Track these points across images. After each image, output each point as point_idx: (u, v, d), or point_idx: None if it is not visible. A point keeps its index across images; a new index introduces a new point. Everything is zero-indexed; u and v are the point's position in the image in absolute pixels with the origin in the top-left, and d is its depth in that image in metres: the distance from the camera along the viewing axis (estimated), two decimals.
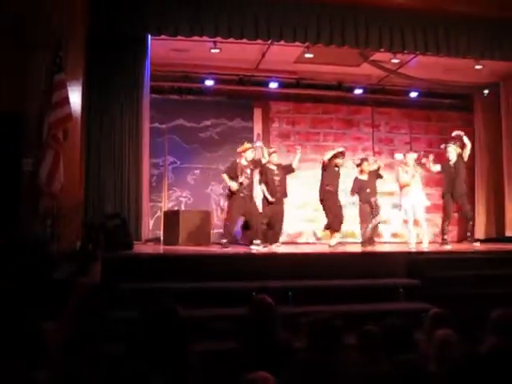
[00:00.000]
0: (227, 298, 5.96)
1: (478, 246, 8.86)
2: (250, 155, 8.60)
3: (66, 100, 6.39)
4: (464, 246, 9.01)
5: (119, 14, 7.52)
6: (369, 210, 8.86)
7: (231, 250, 8.27)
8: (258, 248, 8.19)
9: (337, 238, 8.79)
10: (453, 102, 12.23)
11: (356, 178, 9.03)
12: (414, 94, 11.81)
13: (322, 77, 11.08)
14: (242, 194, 8.41)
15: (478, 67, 9.63)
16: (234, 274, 6.54)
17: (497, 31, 8.50)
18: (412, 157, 9.11)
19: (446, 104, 12.24)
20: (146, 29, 7.88)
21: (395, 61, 9.65)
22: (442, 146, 9.32)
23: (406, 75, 10.65)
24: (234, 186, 8.37)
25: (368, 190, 8.88)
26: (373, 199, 8.89)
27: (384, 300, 6.53)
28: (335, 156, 8.82)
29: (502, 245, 9.67)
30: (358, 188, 8.91)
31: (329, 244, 8.78)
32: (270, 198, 8.74)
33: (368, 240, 8.81)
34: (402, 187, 9.06)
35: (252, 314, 3.81)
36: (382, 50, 8.63)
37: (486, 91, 11.69)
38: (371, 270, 7.07)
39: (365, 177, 8.98)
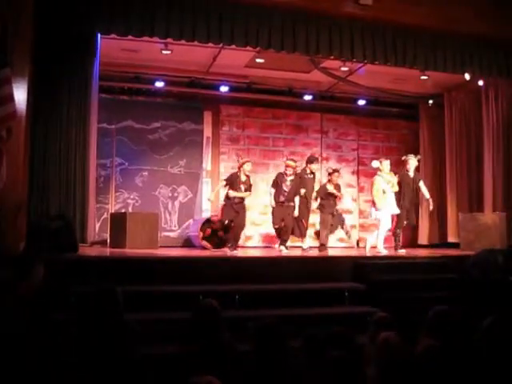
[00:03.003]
0: (174, 302, 5.92)
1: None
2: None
3: (11, 97, 6.15)
4: (408, 252, 9.23)
5: (68, 11, 7.34)
6: (330, 219, 9.38)
7: (179, 253, 8.21)
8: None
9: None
10: (399, 110, 12.56)
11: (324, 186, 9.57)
12: (362, 102, 12.07)
13: (273, 82, 11.17)
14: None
15: (423, 78, 9.94)
16: (182, 277, 6.50)
17: (441, 44, 8.74)
18: (387, 163, 9.16)
19: (392, 112, 12.56)
20: (95, 27, 7.71)
21: (344, 68, 9.84)
22: (403, 158, 9.57)
23: (354, 83, 10.86)
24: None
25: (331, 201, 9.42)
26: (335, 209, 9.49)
27: (330, 304, 6.60)
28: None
29: (444, 250, 9.98)
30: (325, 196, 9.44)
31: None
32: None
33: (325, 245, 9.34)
34: (375, 195, 9.01)
35: (197, 317, 3.81)
36: (332, 57, 8.76)
37: (431, 101, 12.07)
38: (318, 274, 7.15)
39: (331, 187, 9.40)
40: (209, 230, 9.84)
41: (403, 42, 8.59)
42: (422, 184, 9.42)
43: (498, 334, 3.41)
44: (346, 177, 12.00)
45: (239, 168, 8.82)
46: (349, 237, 10.01)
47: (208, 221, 9.97)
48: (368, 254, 8.74)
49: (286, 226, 8.93)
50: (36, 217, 7.41)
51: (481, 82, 10.39)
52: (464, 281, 7.17)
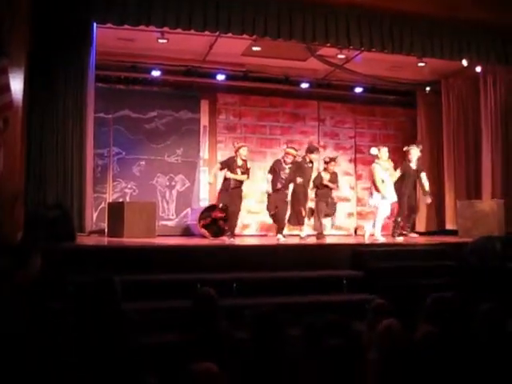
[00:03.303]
0: (172, 291, 5.92)
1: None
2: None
3: (7, 87, 6.13)
4: (406, 239, 9.24)
5: (64, 1, 7.31)
6: (324, 207, 9.33)
7: (176, 242, 8.21)
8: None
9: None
10: (396, 98, 12.51)
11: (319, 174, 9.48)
12: (358, 90, 12.02)
13: (269, 70, 11.12)
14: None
15: (420, 65, 9.89)
16: (179, 266, 6.50)
17: (437, 30, 8.69)
18: (385, 151, 9.04)
19: (389, 100, 12.51)
20: (91, 16, 7.68)
21: (341, 56, 9.79)
22: (405, 149, 9.54)
23: (351, 71, 10.81)
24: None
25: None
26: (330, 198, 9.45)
27: (328, 292, 6.61)
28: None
29: (442, 237, 10.00)
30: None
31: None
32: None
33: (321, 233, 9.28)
34: (378, 184, 8.83)
35: (195, 306, 3.82)
36: (329, 44, 8.73)
37: (428, 88, 12.03)
38: (316, 262, 7.15)
39: (327, 176, 9.34)
40: (208, 219, 9.83)
41: (400, 28, 8.54)
42: (423, 176, 9.41)
43: (496, 321, 3.42)
44: (344, 165, 11.99)
45: (235, 152, 8.83)
46: (332, 225, 9.92)
47: (209, 208, 9.94)
48: (366, 242, 8.75)
49: (280, 212, 8.93)
50: (33, 206, 7.39)
51: (478, 69, 10.34)
52: (462, 268, 7.18)
